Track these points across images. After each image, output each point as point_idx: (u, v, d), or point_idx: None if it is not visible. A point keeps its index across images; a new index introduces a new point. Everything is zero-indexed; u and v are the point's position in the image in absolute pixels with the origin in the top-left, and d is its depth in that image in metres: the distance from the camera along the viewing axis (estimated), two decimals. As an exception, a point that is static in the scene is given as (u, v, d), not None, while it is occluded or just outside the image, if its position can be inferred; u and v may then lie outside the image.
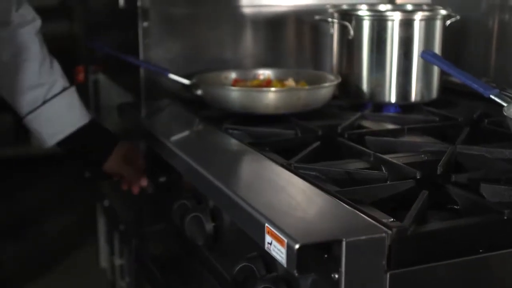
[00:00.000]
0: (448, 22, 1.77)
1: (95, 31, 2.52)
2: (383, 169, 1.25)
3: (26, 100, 1.58)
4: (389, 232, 0.92)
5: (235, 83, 1.81)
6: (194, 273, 1.52)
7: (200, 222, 1.33)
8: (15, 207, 3.62)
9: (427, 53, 1.41)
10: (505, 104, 1.22)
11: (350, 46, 1.76)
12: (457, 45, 1.95)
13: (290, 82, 1.77)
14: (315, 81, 1.75)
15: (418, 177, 1.17)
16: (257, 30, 2.01)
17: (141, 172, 1.69)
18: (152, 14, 1.89)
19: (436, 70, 1.76)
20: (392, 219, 0.98)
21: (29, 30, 1.58)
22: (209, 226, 1.33)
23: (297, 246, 0.89)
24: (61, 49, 2.07)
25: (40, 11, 1.63)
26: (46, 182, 3.90)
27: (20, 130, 3.64)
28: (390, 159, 1.27)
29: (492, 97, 1.25)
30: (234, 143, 1.44)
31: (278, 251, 0.93)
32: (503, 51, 1.85)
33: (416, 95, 1.75)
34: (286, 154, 1.32)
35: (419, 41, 1.71)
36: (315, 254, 0.91)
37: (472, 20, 1.92)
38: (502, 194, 1.06)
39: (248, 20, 1.99)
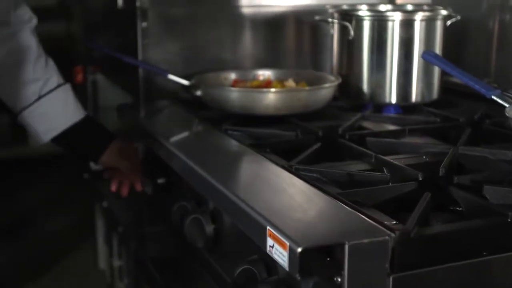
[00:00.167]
0: (449, 22, 1.76)
1: (94, 32, 2.51)
2: (385, 170, 1.24)
3: (21, 96, 1.59)
4: (392, 235, 0.91)
5: (235, 83, 1.80)
6: (193, 275, 1.51)
7: (200, 224, 1.33)
8: (14, 207, 3.62)
9: (428, 53, 1.41)
10: (507, 105, 1.22)
11: (350, 46, 1.75)
12: (457, 45, 1.94)
13: (290, 83, 1.76)
14: (315, 82, 1.74)
15: (420, 179, 1.16)
16: (257, 30, 2.00)
17: (138, 171, 1.69)
18: (151, 14, 1.89)
19: (436, 70, 1.75)
20: (394, 222, 0.97)
21: (26, 29, 1.59)
22: (209, 228, 1.32)
23: (299, 250, 0.88)
24: (59, 50, 2.06)
25: (39, 11, 1.63)
26: (46, 183, 3.90)
27: (18, 130, 3.63)
28: (391, 160, 1.26)
29: (494, 98, 1.24)
30: (234, 144, 1.43)
31: (280, 254, 0.92)
32: (504, 51, 1.85)
33: (416, 95, 1.74)
34: (287, 155, 1.31)
35: (420, 42, 1.71)
36: (317, 257, 0.90)
37: (473, 20, 1.92)
38: (506, 196, 1.05)
39: (248, 20, 1.98)
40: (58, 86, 1.62)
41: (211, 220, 1.32)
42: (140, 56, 1.89)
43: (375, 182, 1.17)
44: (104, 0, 2.27)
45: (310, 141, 1.42)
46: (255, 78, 1.84)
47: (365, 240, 0.89)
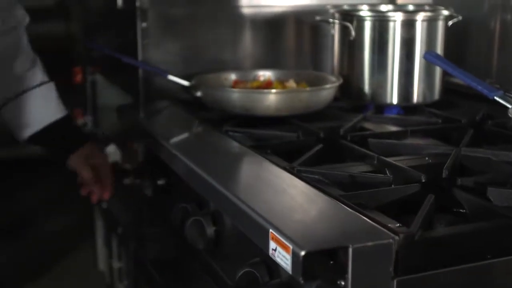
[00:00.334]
0: (450, 22, 1.76)
1: (94, 32, 2.50)
2: (387, 172, 1.23)
3: (3, 91, 1.58)
4: (396, 238, 0.90)
5: (235, 84, 1.79)
6: (194, 277, 1.50)
7: (201, 226, 1.31)
8: (14, 207, 3.61)
9: (429, 54, 1.40)
10: (509, 106, 1.21)
11: (351, 47, 1.75)
12: (459, 45, 1.93)
13: (291, 84, 1.75)
14: (316, 83, 1.74)
15: (423, 181, 1.15)
16: (257, 30, 1.99)
17: (107, 183, 1.68)
18: (150, 15, 1.88)
19: (438, 71, 1.74)
20: (398, 224, 0.96)
21: (20, 28, 1.59)
22: (210, 230, 1.31)
23: (303, 253, 0.87)
24: (59, 50, 2.06)
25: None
26: (46, 183, 3.89)
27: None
28: (394, 162, 1.25)
29: (497, 98, 1.23)
30: (235, 145, 1.42)
31: (283, 257, 0.91)
32: (506, 52, 1.84)
33: (418, 96, 1.74)
34: (288, 156, 1.30)
35: (421, 42, 1.70)
36: (320, 261, 0.90)
37: (474, 20, 1.91)
38: (510, 198, 1.04)
39: (248, 20, 1.98)
40: (42, 83, 1.62)
41: (212, 222, 1.31)
42: (140, 57, 1.88)
43: (377, 184, 1.16)
44: (104, 0, 2.26)
45: (311, 142, 1.41)
46: (255, 78, 1.84)
47: (369, 243, 0.88)
